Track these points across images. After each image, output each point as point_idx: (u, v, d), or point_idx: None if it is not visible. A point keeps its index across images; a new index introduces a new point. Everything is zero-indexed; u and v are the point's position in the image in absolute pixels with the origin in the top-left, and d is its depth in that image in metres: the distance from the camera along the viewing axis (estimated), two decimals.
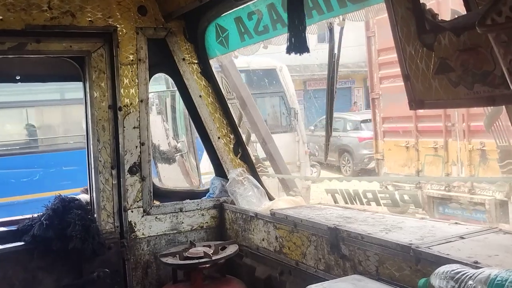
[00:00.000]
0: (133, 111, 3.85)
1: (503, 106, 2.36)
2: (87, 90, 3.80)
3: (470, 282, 1.89)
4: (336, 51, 3.20)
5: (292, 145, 12.40)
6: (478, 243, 2.47)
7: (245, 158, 4.33)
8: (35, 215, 3.72)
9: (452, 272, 1.98)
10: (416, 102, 2.06)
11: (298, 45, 2.78)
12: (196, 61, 4.12)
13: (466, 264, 2.07)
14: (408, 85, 2.06)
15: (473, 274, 1.90)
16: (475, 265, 2.08)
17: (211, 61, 4.13)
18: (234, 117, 4.25)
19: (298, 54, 2.87)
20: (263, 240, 3.66)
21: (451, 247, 2.39)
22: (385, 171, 12.98)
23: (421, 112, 11.12)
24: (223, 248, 3.71)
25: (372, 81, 13.54)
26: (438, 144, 11.26)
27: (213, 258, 3.52)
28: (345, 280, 2.43)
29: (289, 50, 2.94)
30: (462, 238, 2.54)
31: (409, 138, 12.10)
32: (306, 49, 2.91)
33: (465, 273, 1.94)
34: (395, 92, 11.46)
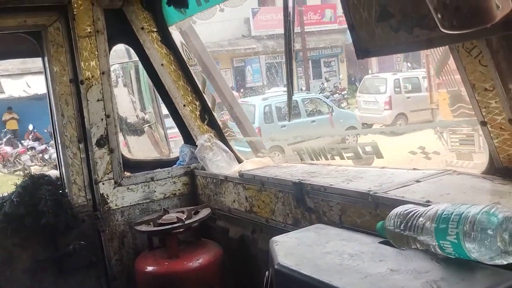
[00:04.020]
0: (95, 84, 3.82)
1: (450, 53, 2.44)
2: (47, 65, 3.76)
3: (421, 219, 1.99)
4: (290, 10, 3.21)
5: None
6: (432, 185, 2.57)
7: (213, 124, 4.35)
8: (5, 193, 3.73)
9: (404, 212, 2.08)
10: (362, 51, 2.11)
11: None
12: (155, 29, 4.08)
13: (418, 204, 2.17)
14: (354, 34, 2.11)
15: (423, 212, 2.00)
16: (427, 204, 2.18)
17: (170, 29, 4.11)
18: (198, 84, 4.26)
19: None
20: (234, 201, 3.74)
21: (406, 191, 2.49)
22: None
23: None
24: (196, 213, 3.78)
25: None
26: None
27: (186, 222, 3.57)
28: (308, 230, 2.52)
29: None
30: (418, 181, 2.64)
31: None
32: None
33: (416, 211, 2.04)
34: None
